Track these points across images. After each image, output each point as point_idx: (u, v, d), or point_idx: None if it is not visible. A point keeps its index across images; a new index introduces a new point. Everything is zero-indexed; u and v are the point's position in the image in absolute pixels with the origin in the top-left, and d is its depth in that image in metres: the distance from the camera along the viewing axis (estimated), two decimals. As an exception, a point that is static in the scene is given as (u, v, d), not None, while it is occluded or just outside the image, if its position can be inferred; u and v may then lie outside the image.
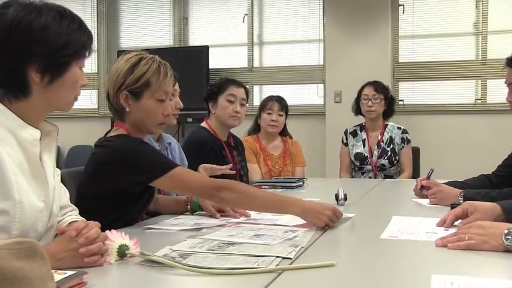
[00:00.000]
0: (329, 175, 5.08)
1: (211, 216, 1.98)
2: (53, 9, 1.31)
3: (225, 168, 2.55)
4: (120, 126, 1.90)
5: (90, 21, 6.32)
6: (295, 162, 3.71)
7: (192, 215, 2.06)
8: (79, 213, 1.53)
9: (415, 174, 3.80)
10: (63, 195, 1.48)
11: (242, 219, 1.90)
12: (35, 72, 1.29)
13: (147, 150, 1.82)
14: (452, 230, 1.62)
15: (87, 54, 1.37)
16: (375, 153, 3.86)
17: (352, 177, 3.95)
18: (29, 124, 1.31)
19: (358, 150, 3.92)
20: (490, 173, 2.58)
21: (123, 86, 1.85)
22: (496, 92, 5.05)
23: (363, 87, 3.99)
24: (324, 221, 1.71)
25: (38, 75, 1.29)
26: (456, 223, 1.72)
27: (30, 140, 1.31)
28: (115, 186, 1.77)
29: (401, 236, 1.62)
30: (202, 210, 2.07)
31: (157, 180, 1.75)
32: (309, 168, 4.17)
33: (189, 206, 2.08)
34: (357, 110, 4.05)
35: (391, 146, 3.88)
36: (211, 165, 2.54)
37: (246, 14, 5.91)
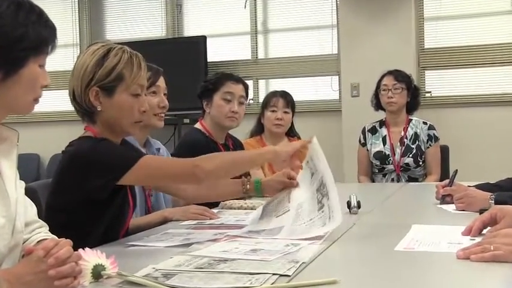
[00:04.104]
0: (348, 180, 5.07)
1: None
2: None
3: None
4: (89, 130, 1.93)
5: (71, 12, 6.38)
6: (305, 166, 3.71)
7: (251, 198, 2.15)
8: (49, 230, 1.54)
9: (444, 177, 3.78)
10: (29, 209, 1.50)
11: (240, 232, 1.91)
12: None
13: (107, 147, 1.84)
14: (479, 240, 1.62)
15: (49, 50, 1.39)
16: (398, 151, 3.88)
17: (373, 181, 3.96)
18: None
19: (378, 149, 3.93)
20: (528, 172, 2.58)
21: (92, 82, 1.86)
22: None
23: (382, 77, 4.02)
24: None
25: None
26: (485, 231, 1.72)
27: None
28: (80, 195, 1.79)
29: (419, 247, 1.62)
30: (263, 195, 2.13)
31: (124, 177, 1.77)
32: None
33: (248, 186, 2.12)
34: (377, 105, 4.06)
35: (417, 142, 3.88)
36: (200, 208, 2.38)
37: (248, -1, 5.94)
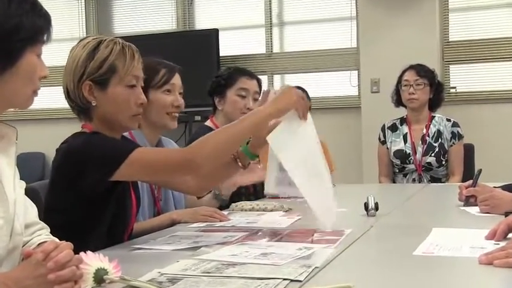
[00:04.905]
0: (367, 180, 5.07)
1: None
2: None
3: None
4: (85, 127, 1.94)
5: (77, 4, 6.43)
6: (321, 166, 3.70)
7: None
8: (50, 232, 1.55)
9: (469, 178, 3.76)
10: (29, 210, 1.51)
11: (246, 234, 1.92)
12: None
13: (100, 140, 1.85)
14: (504, 244, 1.61)
15: (45, 39, 1.41)
16: (419, 149, 3.86)
17: (393, 182, 3.95)
18: None
19: (398, 147, 3.92)
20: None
21: (84, 76, 1.88)
22: None
23: (403, 72, 4.01)
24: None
25: None
26: (510, 235, 1.70)
27: None
28: (77, 192, 1.81)
29: (439, 252, 1.61)
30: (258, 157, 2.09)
31: (117, 172, 1.77)
32: (343, 173, 4.16)
33: (239, 162, 2.09)
34: (398, 101, 4.05)
35: (439, 141, 3.86)
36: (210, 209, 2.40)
37: (263, -10, 5.95)
